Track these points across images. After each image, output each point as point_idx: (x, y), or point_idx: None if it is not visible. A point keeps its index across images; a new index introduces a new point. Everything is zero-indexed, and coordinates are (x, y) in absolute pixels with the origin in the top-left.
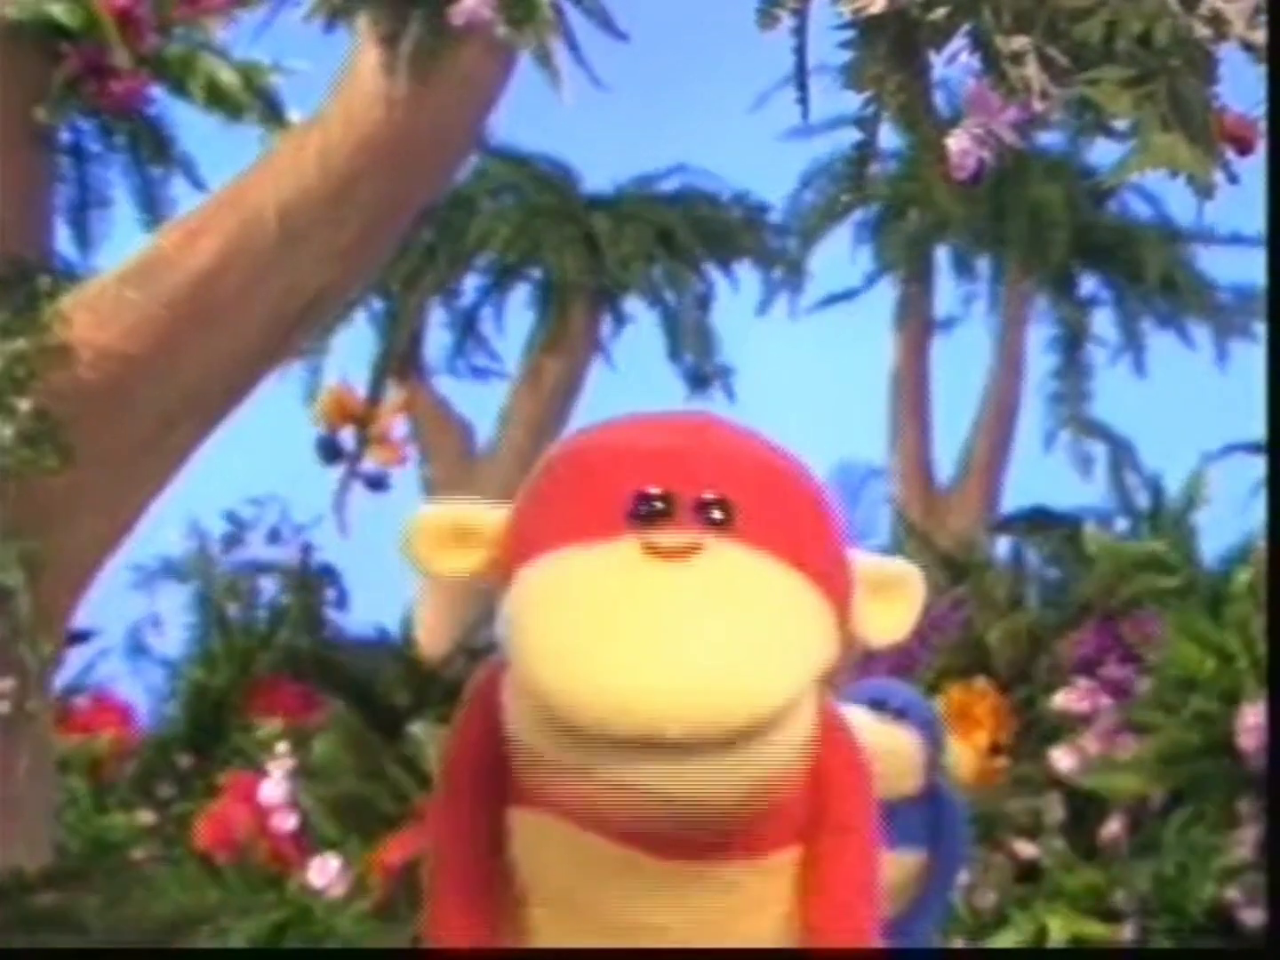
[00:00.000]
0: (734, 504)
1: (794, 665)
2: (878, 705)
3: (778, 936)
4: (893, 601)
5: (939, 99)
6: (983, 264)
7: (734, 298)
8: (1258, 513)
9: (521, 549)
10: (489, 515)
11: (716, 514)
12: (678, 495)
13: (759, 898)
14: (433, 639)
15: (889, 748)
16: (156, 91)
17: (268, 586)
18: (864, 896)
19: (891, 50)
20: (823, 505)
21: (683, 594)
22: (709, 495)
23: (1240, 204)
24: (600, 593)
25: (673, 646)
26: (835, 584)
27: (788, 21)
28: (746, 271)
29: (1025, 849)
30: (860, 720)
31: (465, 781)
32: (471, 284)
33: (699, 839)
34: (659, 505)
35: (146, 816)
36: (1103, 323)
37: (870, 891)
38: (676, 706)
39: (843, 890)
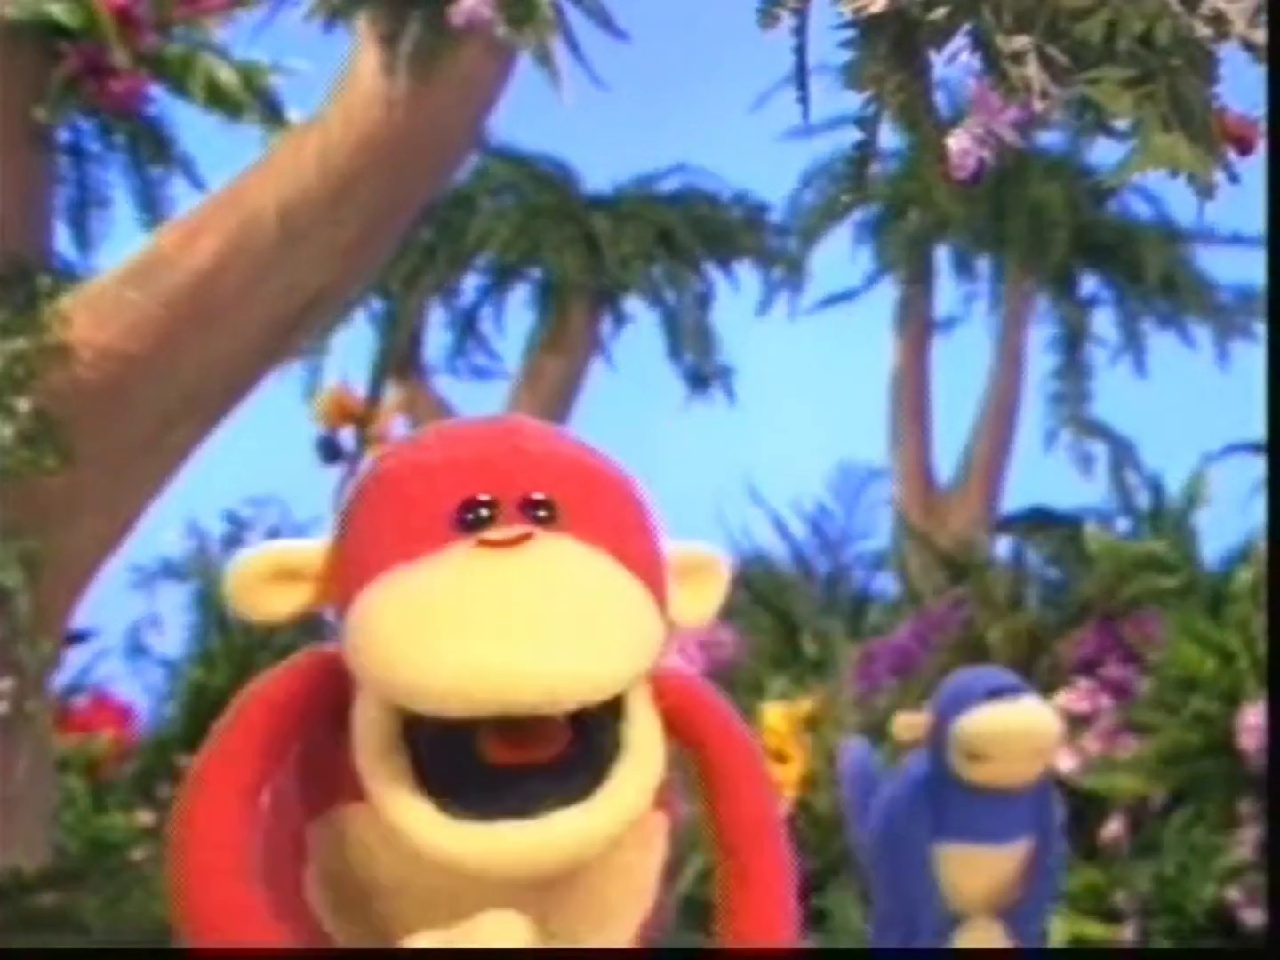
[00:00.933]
0: (557, 502)
1: (633, 648)
2: (998, 694)
3: (626, 908)
4: (699, 585)
5: (939, 99)
6: (983, 264)
7: (734, 298)
8: (1258, 513)
9: (353, 576)
10: (310, 551)
11: (542, 512)
12: (501, 499)
13: (611, 869)
14: None
15: (1045, 725)
16: (156, 91)
17: None
18: (789, 887)
19: (892, 50)
20: (638, 499)
21: (521, 574)
22: (534, 495)
23: (1241, 204)
24: (438, 587)
25: (516, 624)
26: (655, 576)
27: (788, 21)
28: (746, 271)
29: None
30: (1008, 710)
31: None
32: (471, 284)
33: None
34: (484, 511)
35: (146, 817)
36: (1103, 323)
37: (791, 881)
38: (523, 683)
39: (772, 888)
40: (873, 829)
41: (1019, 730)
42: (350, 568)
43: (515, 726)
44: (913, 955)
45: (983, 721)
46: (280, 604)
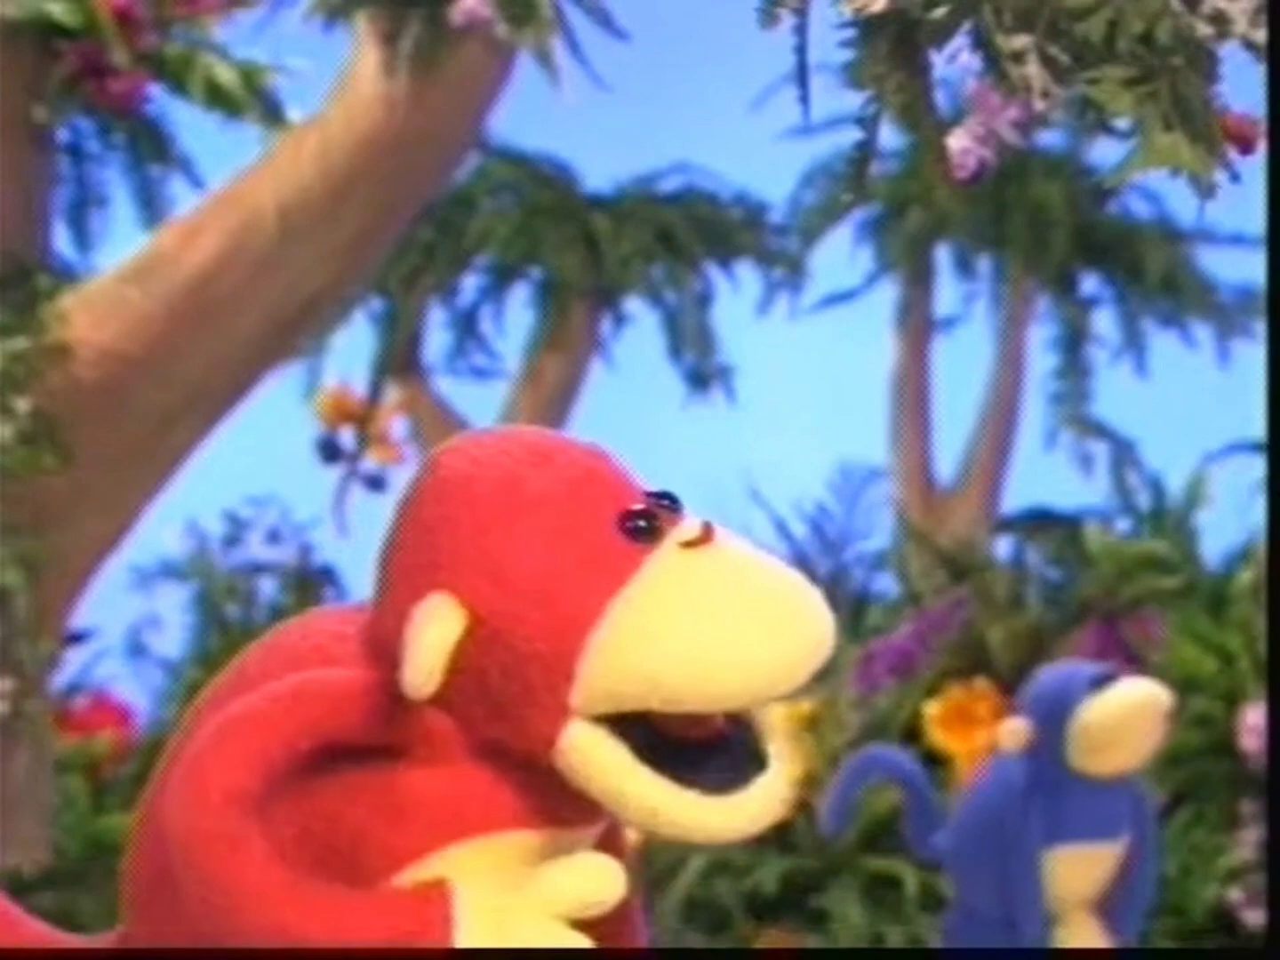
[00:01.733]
0: (678, 503)
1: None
2: (1100, 682)
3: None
4: None
5: (940, 98)
6: (984, 263)
7: (734, 297)
8: (1259, 513)
9: (526, 596)
10: (446, 603)
11: (672, 504)
12: (648, 505)
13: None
14: None
15: (1160, 696)
16: (155, 90)
17: (267, 587)
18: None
19: (892, 49)
20: None
21: (753, 564)
22: (654, 490)
23: (1242, 204)
24: (697, 588)
25: (792, 602)
26: None
27: (788, 20)
28: (747, 271)
29: None
30: (1123, 693)
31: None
32: (471, 283)
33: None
34: (642, 521)
35: None
36: (1104, 322)
37: None
38: (816, 657)
39: None
40: (970, 834)
41: (1140, 707)
42: (526, 600)
43: None
44: (913, 955)
45: (1103, 708)
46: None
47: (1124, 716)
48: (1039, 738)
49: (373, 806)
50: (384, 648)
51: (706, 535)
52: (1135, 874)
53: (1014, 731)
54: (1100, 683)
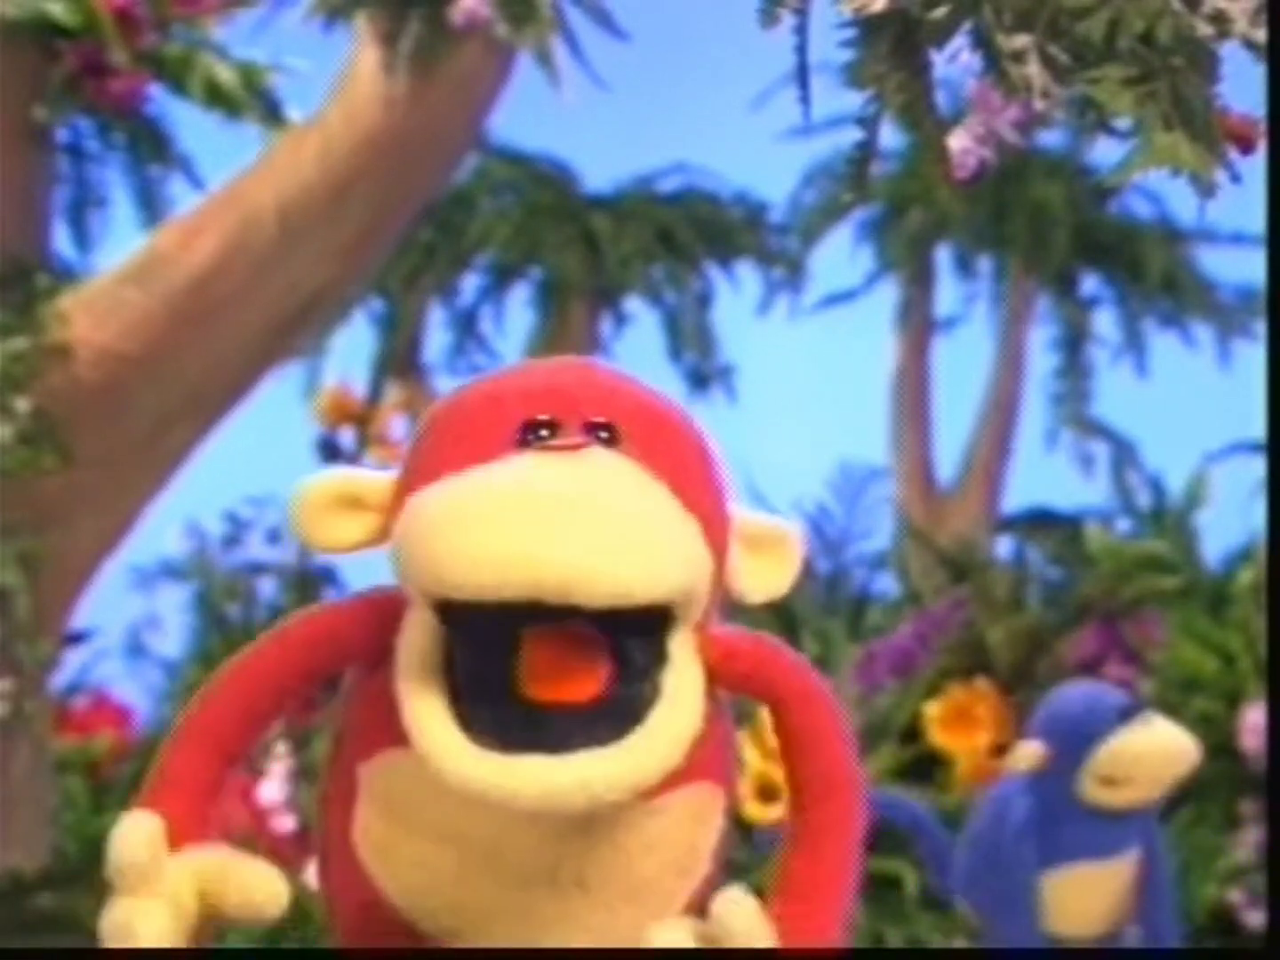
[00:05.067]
0: (620, 429)
1: (673, 565)
2: (1127, 714)
3: (665, 882)
4: (772, 558)
5: (940, 98)
6: (984, 263)
7: (734, 297)
8: (1260, 513)
9: (410, 494)
10: (376, 479)
11: (603, 434)
12: (564, 420)
13: (650, 841)
14: None
15: (1188, 748)
16: (155, 90)
17: (267, 587)
18: (852, 857)
19: (893, 49)
20: (706, 450)
21: (569, 473)
22: (596, 419)
23: (1242, 204)
24: (484, 482)
25: (557, 514)
26: (714, 525)
27: (788, 20)
28: (747, 271)
29: None
30: (1153, 734)
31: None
32: (471, 283)
33: None
34: (544, 431)
35: None
36: (1104, 322)
37: (856, 853)
38: (556, 570)
39: (835, 852)
40: (975, 865)
41: (1168, 755)
42: (408, 489)
43: (554, 659)
44: (913, 955)
45: (1131, 747)
46: (343, 533)
47: (1151, 758)
48: (1053, 762)
49: (362, 698)
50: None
51: (573, 446)
52: (1151, 885)
53: (1028, 755)
54: (1127, 715)
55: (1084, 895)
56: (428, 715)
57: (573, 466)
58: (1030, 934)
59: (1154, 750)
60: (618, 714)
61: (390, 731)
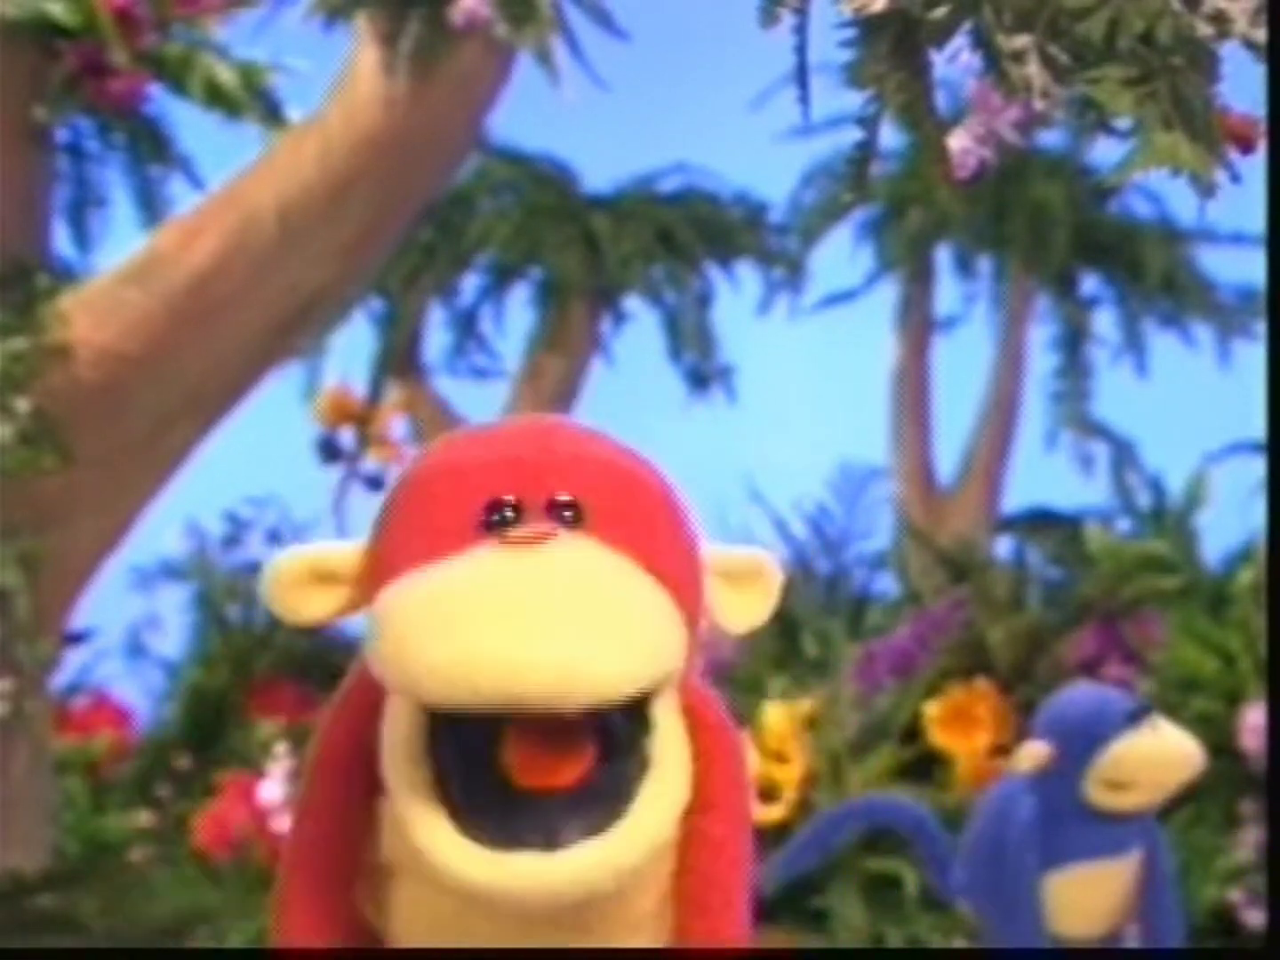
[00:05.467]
0: (585, 505)
1: (649, 651)
2: (1135, 717)
3: (663, 913)
4: (750, 591)
5: (940, 98)
6: (984, 263)
7: (734, 297)
8: (1259, 513)
9: (379, 577)
10: (346, 553)
11: (568, 514)
12: (528, 500)
13: (646, 881)
14: None
15: (1194, 753)
16: (155, 90)
17: None
18: (736, 870)
19: (893, 49)
20: (673, 505)
21: (536, 570)
22: (560, 497)
23: (1242, 203)
24: (454, 581)
25: (528, 616)
26: (686, 587)
27: (788, 20)
28: (747, 271)
29: None
30: (1160, 739)
31: (330, 778)
32: (471, 283)
33: None
34: (509, 513)
35: (145, 817)
36: (1104, 322)
37: (742, 866)
38: (533, 674)
39: (713, 866)
40: (977, 866)
41: (1174, 760)
42: (380, 569)
43: (538, 746)
44: (913, 955)
45: (1136, 751)
46: (318, 606)
47: (1157, 763)
48: (1057, 763)
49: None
50: None
51: (533, 539)
52: (1153, 884)
53: (1032, 754)
54: (1134, 718)
55: (1086, 895)
56: (418, 811)
57: (539, 561)
58: (1034, 933)
59: (1160, 755)
60: (608, 795)
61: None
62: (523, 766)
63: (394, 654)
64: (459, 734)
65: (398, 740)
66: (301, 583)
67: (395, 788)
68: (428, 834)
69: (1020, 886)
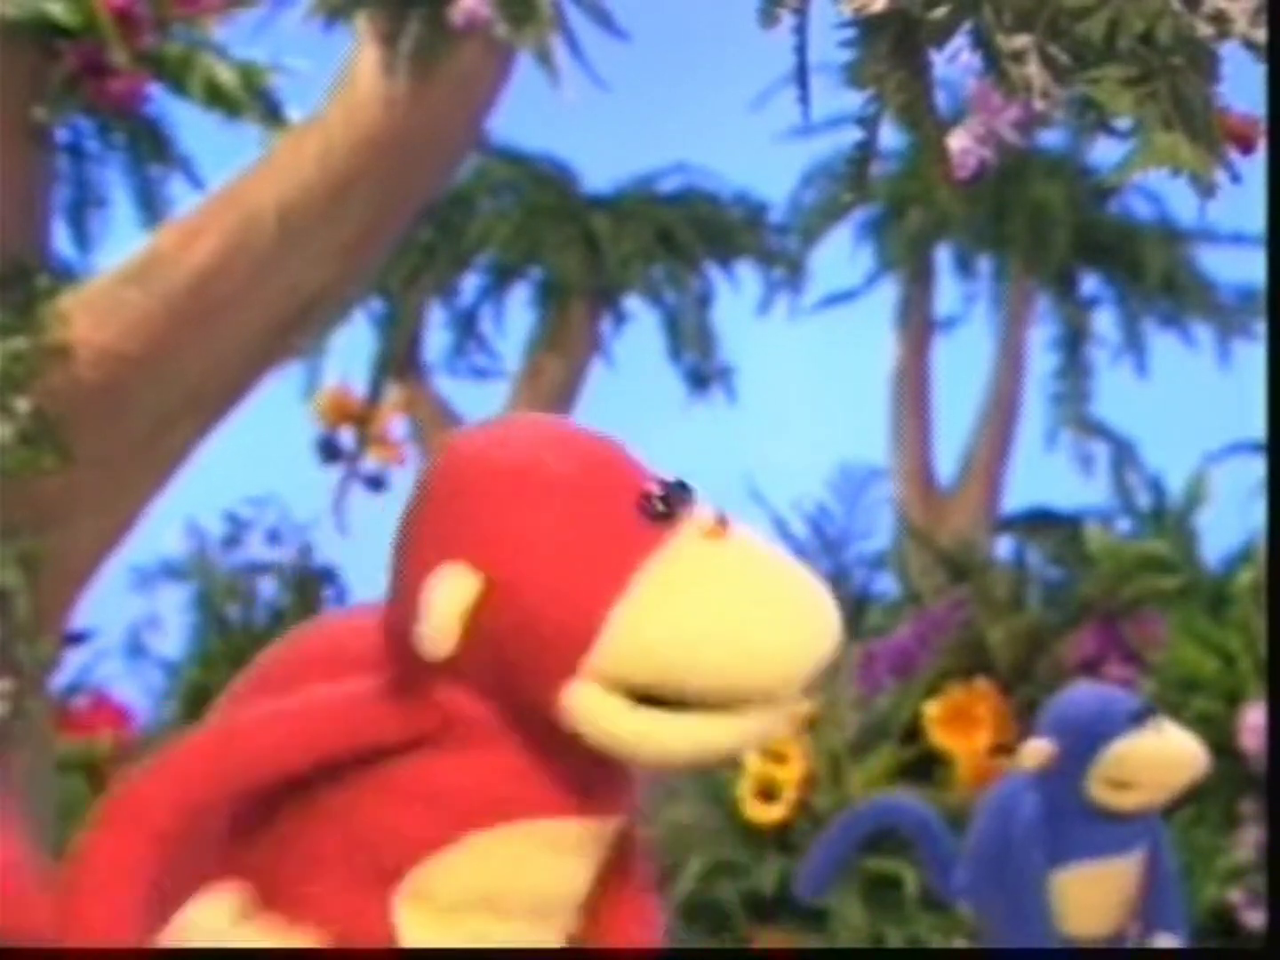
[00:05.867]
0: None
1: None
2: (1138, 717)
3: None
4: None
5: (940, 98)
6: (984, 263)
7: (734, 297)
8: (1259, 513)
9: (536, 581)
10: (466, 574)
11: (684, 490)
12: (659, 489)
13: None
14: None
15: (1197, 754)
16: (155, 90)
17: (267, 587)
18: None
19: (892, 49)
20: None
21: (769, 557)
22: (668, 477)
23: (1242, 204)
24: (718, 575)
25: (806, 598)
26: None
27: (788, 20)
28: (747, 271)
29: None
30: (1164, 740)
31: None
32: (471, 283)
33: (619, 793)
34: (661, 504)
35: None
36: (1104, 322)
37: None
38: (828, 646)
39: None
40: (981, 865)
41: (1177, 761)
42: (552, 574)
43: None
44: (913, 955)
45: (1139, 751)
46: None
47: (1160, 763)
48: (1061, 762)
49: (397, 796)
50: (401, 633)
51: (723, 525)
52: (1157, 881)
53: (1036, 752)
54: (1138, 718)
55: (1089, 894)
56: (641, 717)
57: (757, 544)
58: (1043, 930)
59: (1163, 756)
60: None
61: (478, 816)
62: None
63: (700, 647)
64: None
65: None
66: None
67: (598, 720)
68: (650, 724)
69: (1027, 884)
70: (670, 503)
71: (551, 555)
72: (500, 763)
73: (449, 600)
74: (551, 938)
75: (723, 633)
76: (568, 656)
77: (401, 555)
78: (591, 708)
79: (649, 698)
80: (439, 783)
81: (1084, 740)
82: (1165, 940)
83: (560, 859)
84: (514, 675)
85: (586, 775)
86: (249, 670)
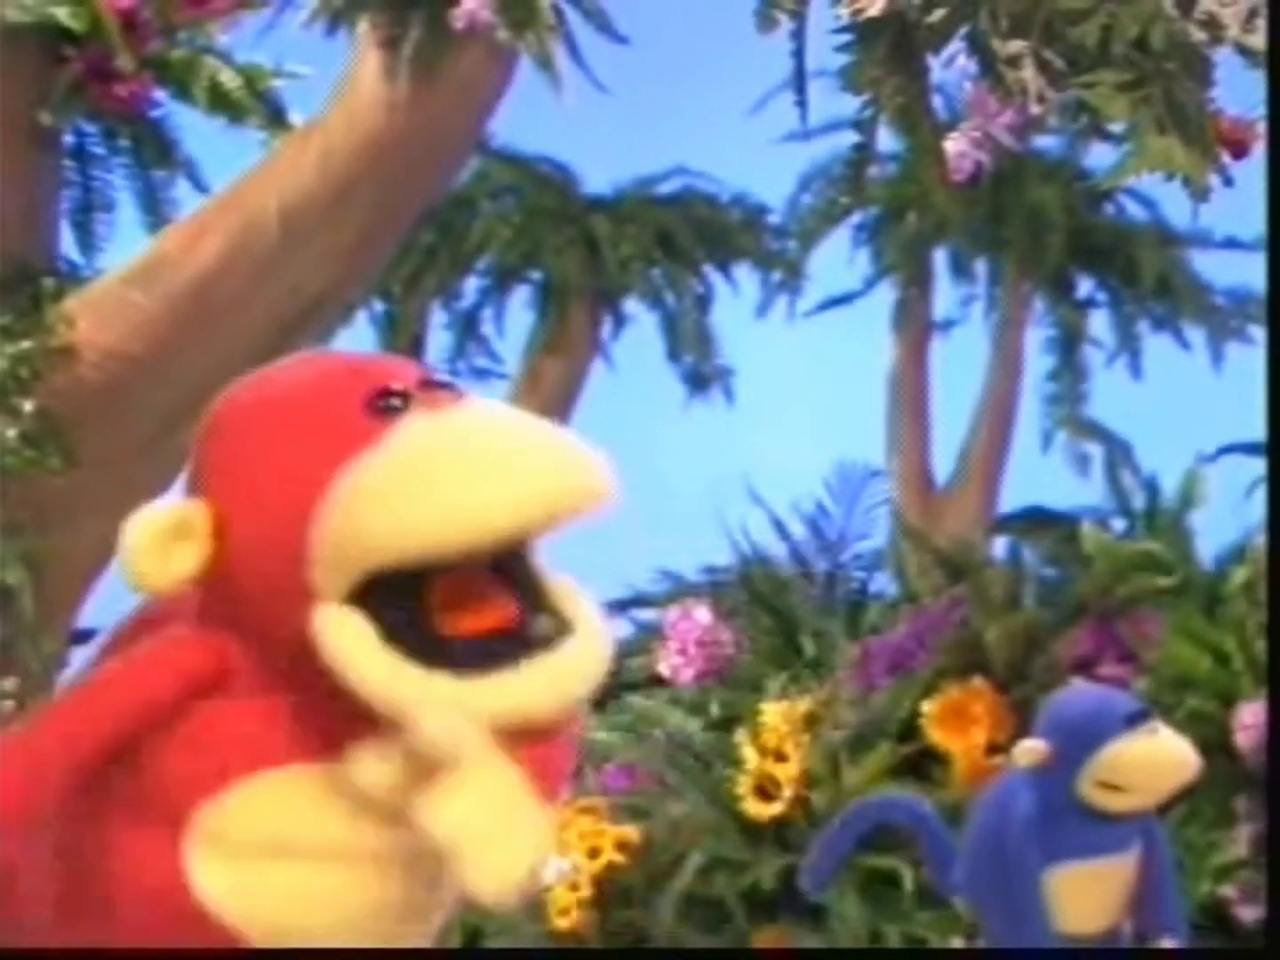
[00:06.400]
0: (456, 385)
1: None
2: (1133, 720)
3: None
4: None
5: (937, 102)
6: (981, 266)
7: (733, 299)
8: (1252, 513)
9: (274, 497)
10: (189, 506)
11: (449, 390)
12: (407, 386)
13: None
14: None
15: (1190, 760)
16: (160, 95)
17: None
18: None
19: (889, 53)
20: None
21: (498, 413)
22: (433, 378)
23: (1235, 207)
24: (423, 446)
25: (526, 454)
26: None
27: (786, 24)
28: (745, 273)
29: None
30: (1156, 744)
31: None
32: (472, 285)
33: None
34: (397, 401)
35: None
36: (1099, 325)
37: None
38: (567, 492)
39: None
40: (976, 862)
41: (1169, 765)
42: (263, 493)
43: (464, 601)
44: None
45: (1131, 754)
46: (178, 564)
47: (1152, 767)
48: (1055, 761)
49: (177, 742)
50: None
51: (449, 399)
52: (1157, 879)
53: (1030, 750)
54: (1133, 721)
55: (1084, 893)
56: (389, 667)
57: (485, 409)
58: (1039, 928)
59: (1155, 760)
60: (537, 628)
61: (239, 763)
62: (461, 616)
63: (400, 509)
64: (386, 600)
65: (343, 634)
66: (164, 542)
67: (343, 657)
68: (399, 681)
69: (1022, 881)
70: (404, 396)
71: (266, 475)
72: (256, 707)
73: (136, 535)
74: (379, 885)
75: (417, 494)
76: (292, 577)
77: None
78: (335, 627)
79: (425, 627)
80: (207, 728)
81: (1077, 741)
82: (1164, 941)
83: (340, 803)
84: (255, 611)
85: (349, 717)
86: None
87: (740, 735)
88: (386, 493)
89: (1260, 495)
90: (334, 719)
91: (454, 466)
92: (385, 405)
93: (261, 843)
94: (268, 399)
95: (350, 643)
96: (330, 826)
